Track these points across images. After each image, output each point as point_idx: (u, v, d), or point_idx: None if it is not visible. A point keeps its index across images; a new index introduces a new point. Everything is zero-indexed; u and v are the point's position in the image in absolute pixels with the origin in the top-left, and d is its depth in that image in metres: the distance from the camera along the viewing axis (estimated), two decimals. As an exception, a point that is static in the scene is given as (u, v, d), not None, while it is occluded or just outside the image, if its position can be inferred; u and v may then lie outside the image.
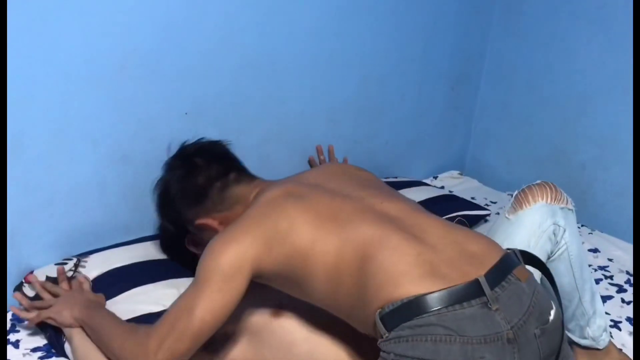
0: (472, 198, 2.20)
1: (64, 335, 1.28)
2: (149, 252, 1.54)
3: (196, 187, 1.32)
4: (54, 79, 1.36)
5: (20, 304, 1.35)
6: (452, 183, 2.40)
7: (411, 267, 1.06)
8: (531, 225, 1.31)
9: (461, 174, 2.48)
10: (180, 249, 1.43)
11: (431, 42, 2.17)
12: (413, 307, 1.00)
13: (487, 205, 2.19)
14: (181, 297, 1.14)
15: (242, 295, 1.13)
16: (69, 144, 1.44)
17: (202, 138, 1.44)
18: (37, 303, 1.33)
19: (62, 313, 1.27)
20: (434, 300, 1.00)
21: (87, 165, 1.49)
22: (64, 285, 1.38)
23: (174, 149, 1.44)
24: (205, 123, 1.64)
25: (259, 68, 1.73)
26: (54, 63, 1.36)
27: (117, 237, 1.59)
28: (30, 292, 1.41)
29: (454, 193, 2.21)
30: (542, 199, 1.32)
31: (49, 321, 1.29)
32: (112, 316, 1.24)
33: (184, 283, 1.18)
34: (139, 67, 1.49)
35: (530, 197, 1.33)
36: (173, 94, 1.57)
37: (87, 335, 1.24)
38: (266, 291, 1.24)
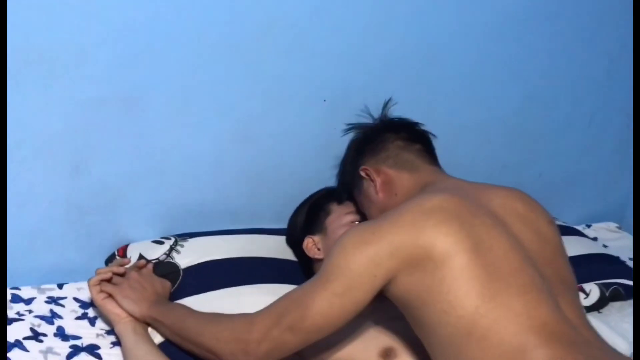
0: (630, 259, 1.89)
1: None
2: (255, 247, 1.43)
3: (379, 139, 1.33)
4: (186, 34, 1.28)
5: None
6: (608, 236, 2.06)
7: None
8: None
9: (620, 228, 2.14)
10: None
11: (616, 65, 1.87)
12: None
13: (648, 270, 1.86)
14: (297, 289, 1.08)
15: (363, 307, 1.03)
16: (191, 110, 1.35)
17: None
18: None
19: (126, 300, 1.20)
20: None
21: (206, 137, 1.40)
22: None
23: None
24: (343, 115, 1.48)
25: (411, 65, 1.56)
26: (189, 17, 1.27)
27: (223, 222, 1.49)
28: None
29: (609, 249, 1.91)
30: None
31: (105, 302, 1.20)
32: (188, 309, 1.20)
33: (282, 291, 1.08)
34: (281, 39, 1.37)
35: None
36: (314, 76, 1.45)
37: (159, 331, 1.19)
38: (378, 326, 1.17)
